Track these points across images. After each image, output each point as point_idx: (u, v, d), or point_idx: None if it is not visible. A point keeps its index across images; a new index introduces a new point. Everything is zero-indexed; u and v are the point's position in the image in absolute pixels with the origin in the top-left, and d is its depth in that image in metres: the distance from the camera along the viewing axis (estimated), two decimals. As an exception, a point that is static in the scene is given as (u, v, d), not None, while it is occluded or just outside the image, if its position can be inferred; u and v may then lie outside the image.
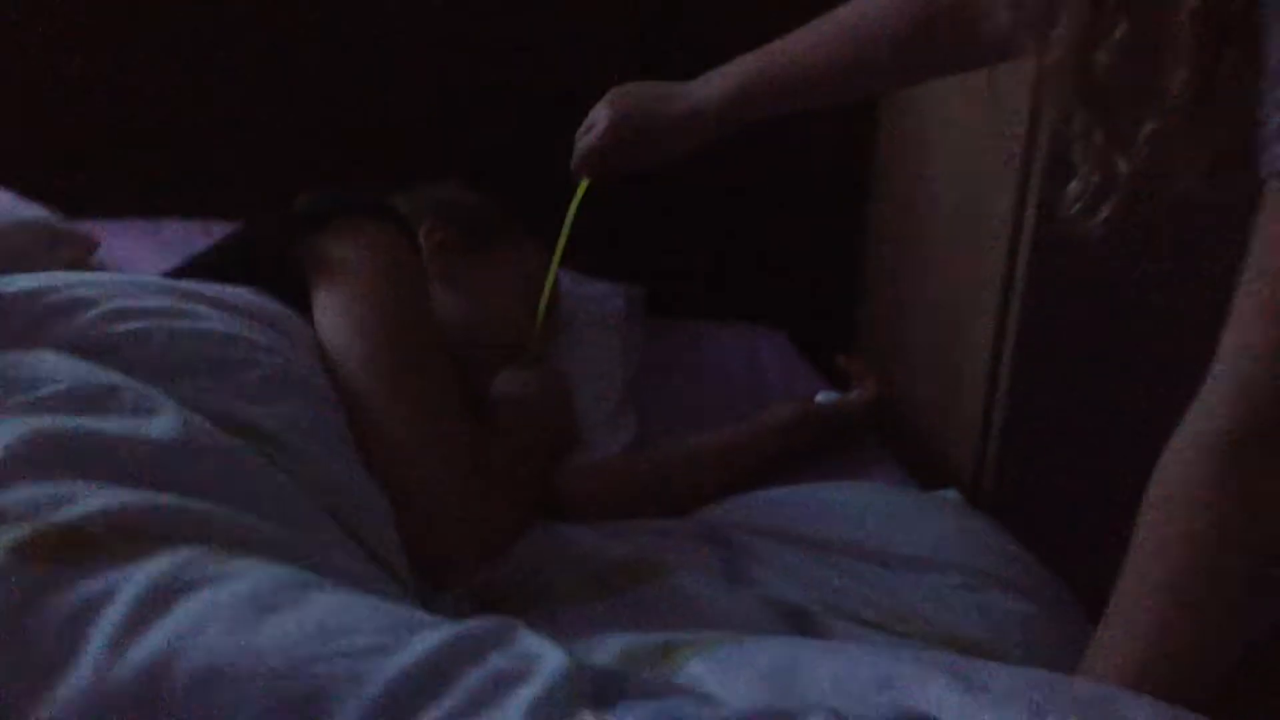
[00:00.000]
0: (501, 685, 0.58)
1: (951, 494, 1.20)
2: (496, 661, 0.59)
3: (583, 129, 1.23)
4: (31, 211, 1.38)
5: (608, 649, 0.72)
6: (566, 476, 1.16)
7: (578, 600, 0.92)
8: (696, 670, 0.69)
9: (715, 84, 1.16)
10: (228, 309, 0.91)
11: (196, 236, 1.46)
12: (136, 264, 1.44)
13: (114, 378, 0.77)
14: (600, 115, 1.21)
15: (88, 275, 0.95)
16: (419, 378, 0.97)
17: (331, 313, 0.98)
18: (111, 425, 0.72)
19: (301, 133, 1.66)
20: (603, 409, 1.39)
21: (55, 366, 0.76)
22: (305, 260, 1.02)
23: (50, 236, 1.37)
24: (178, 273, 1.07)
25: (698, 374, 1.59)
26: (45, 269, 1.32)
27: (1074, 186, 0.88)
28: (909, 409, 1.68)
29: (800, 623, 0.92)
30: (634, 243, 1.73)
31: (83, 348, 0.80)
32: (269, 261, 1.03)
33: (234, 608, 0.60)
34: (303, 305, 1.01)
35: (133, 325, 0.84)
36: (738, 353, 1.64)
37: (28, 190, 1.43)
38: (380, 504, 0.88)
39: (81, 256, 1.41)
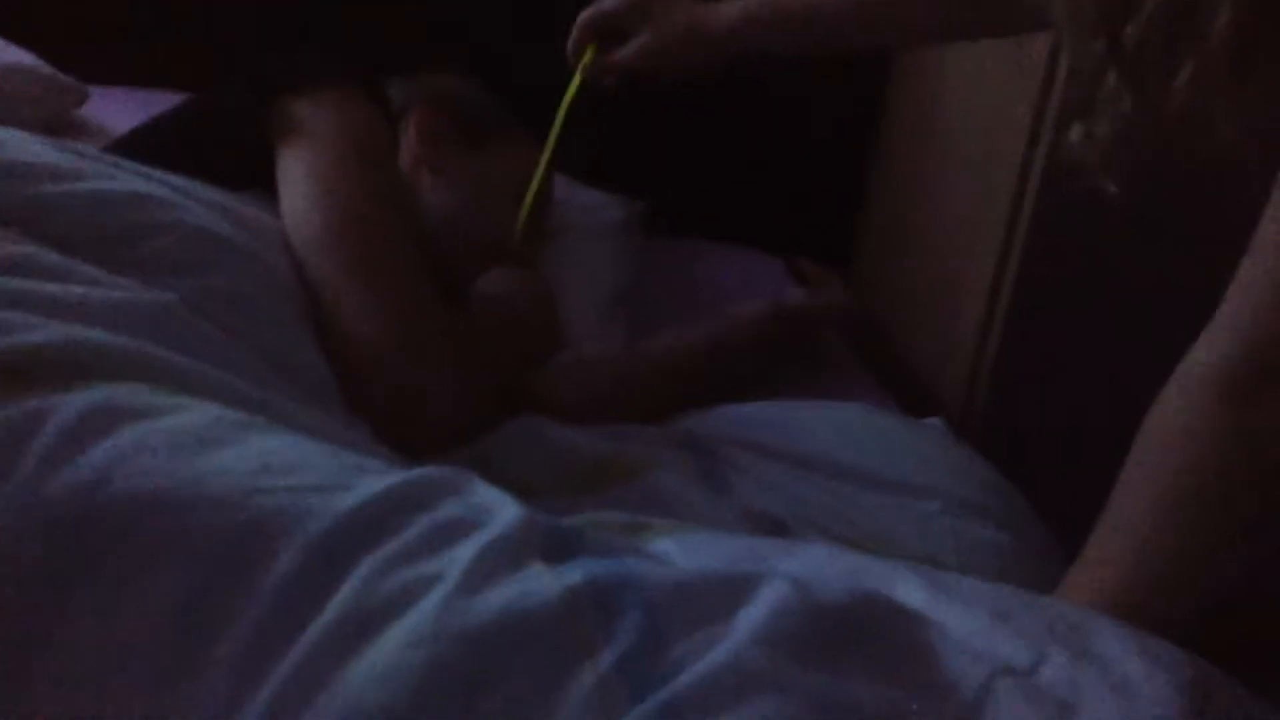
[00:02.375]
0: (452, 530, 0.55)
1: (936, 422, 1.18)
2: (449, 508, 0.57)
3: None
4: (19, 56, 1.35)
5: (574, 520, 0.70)
6: (542, 378, 1.13)
7: (548, 495, 0.89)
8: (663, 546, 0.67)
9: (730, 4, 1.12)
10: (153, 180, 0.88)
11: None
12: (117, 126, 1.41)
13: (31, 247, 0.73)
14: None
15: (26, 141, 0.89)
16: (374, 251, 0.93)
17: (290, 179, 0.96)
18: (46, 286, 0.68)
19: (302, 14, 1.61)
20: (591, 318, 1.36)
21: None
22: (273, 122, 1.00)
23: (38, 84, 1.33)
24: (144, 130, 1.04)
25: (691, 294, 1.56)
26: (28, 116, 1.30)
27: (1098, 130, 0.84)
28: (902, 343, 1.66)
29: (776, 533, 0.90)
30: (637, 160, 1.71)
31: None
32: (236, 121, 1.00)
33: (174, 437, 0.58)
34: (269, 167, 0.98)
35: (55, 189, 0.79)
36: (733, 276, 1.62)
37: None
38: (327, 381, 0.85)
39: (68, 109, 1.37)
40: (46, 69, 1.37)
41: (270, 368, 0.77)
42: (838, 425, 1.11)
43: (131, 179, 0.85)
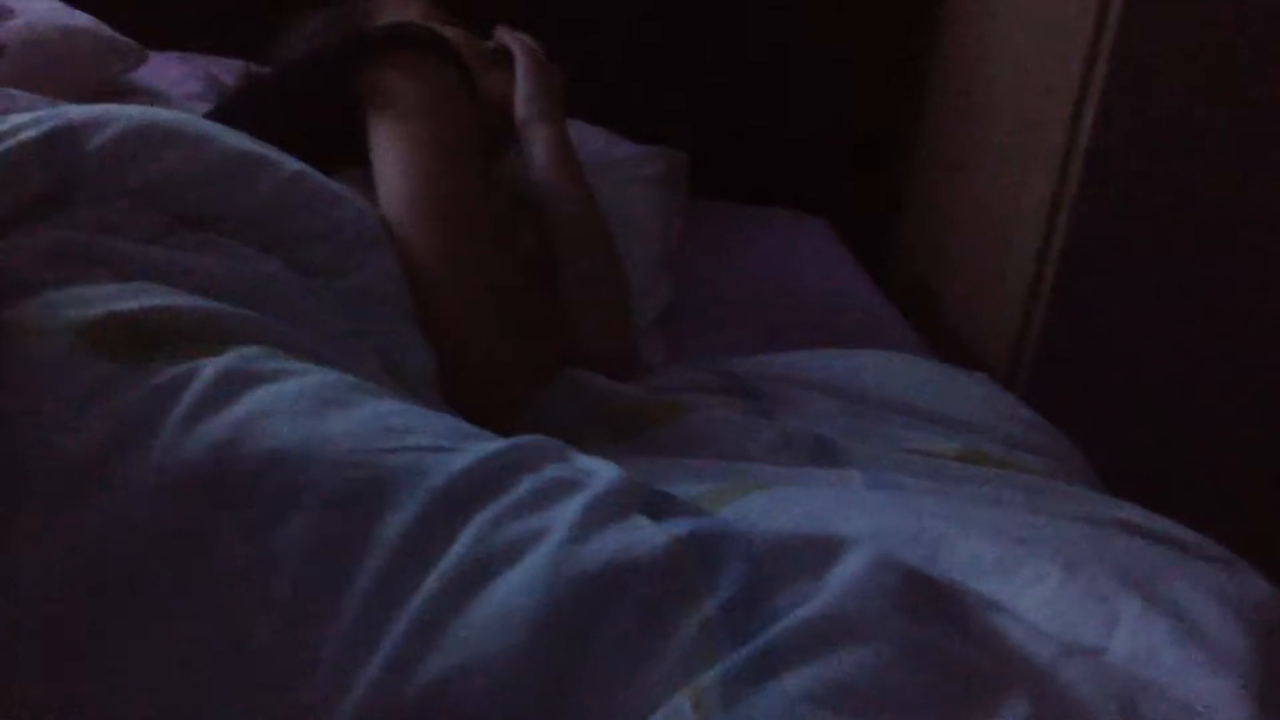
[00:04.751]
0: (559, 489, 0.58)
1: (981, 375, 1.20)
2: (552, 471, 0.60)
3: None
4: (78, 18, 1.37)
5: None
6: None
7: (595, 445, 0.91)
8: (753, 504, 0.70)
9: None
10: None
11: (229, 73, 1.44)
12: (171, 90, 1.43)
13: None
14: None
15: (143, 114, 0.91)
16: (461, 217, 0.95)
17: (386, 156, 0.97)
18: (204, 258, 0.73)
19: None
20: (640, 270, 1.37)
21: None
22: (362, 88, 1.00)
23: (97, 46, 1.35)
24: (236, 98, 1.06)
25: (736, 252, 1.57)
26: (88, 79, 1.32)
27: None
28: (947, 307, 1.68)
29: (825, 455, 0.91)
30: (677, 117, 1.72)
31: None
32: (331, 91, 1.01)
33: (300, 399, 0.61)
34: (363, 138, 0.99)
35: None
36: (777, 235, 1.64)
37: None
38: (422, 348, 0.87)
39: (126, 71, 1.39)
40: (106, 30, 1.39)
41: (385, 365, 0.81)
42: (884, 367, 1.12)
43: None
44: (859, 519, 0.71)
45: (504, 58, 1.24)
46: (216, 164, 0.81)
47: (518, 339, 0.96)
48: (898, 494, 0.82)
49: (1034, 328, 1.45)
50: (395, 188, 0.95)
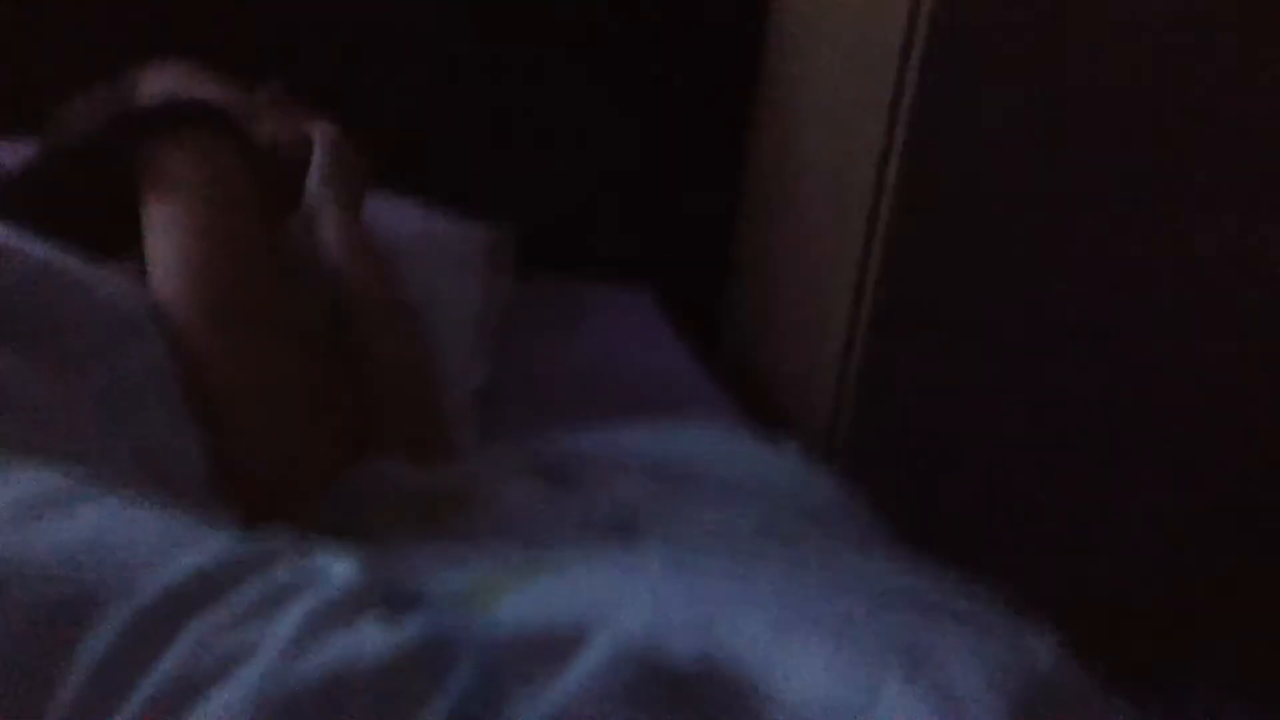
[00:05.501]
0: (283, 594, 0.54)
1: (791, 445, 1.20)
2: (283, 574, 0.56)
3: None
4: None
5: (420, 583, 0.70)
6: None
7: (392, 536, 0.88)
8: (510, 600, 0.67)
9: None
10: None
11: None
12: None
13: None
14: None
15: None
16: (236, 301, 0.91)
17: (151, 228, 0.93)
18: None
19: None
20: (454, 351, 1.35)
21: None
22: (136, 163, 0.96)
23: None
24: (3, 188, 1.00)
25: (559, 329, 1.57)
26: None
27: None
28: (772, 368, 1.69)
29: (627, 531, 0.89)
30: (504, 186, 1.70)
31: None
32: (103, 173, 0.97)
33: (7, 508, 0.56)
34: (131, 207, 0.95)
35: None
36: (601, 311, 1.64)
37: None
38: (188, 443, 0.83)
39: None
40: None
41: (143, 463, 0.76)
42: (694, 441, 1.12)
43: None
44: (643, 602, 0.69)
45: (280, 102, 1.22)
46: None
47: (302, 429, 0.92)
48: (688, 575, 0.80)
49: (849, 381, 1.46)
50: (165, 270, 0.91)
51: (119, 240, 0.96)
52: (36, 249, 0.82)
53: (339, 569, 0.57)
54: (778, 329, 1.69)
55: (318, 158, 1.18)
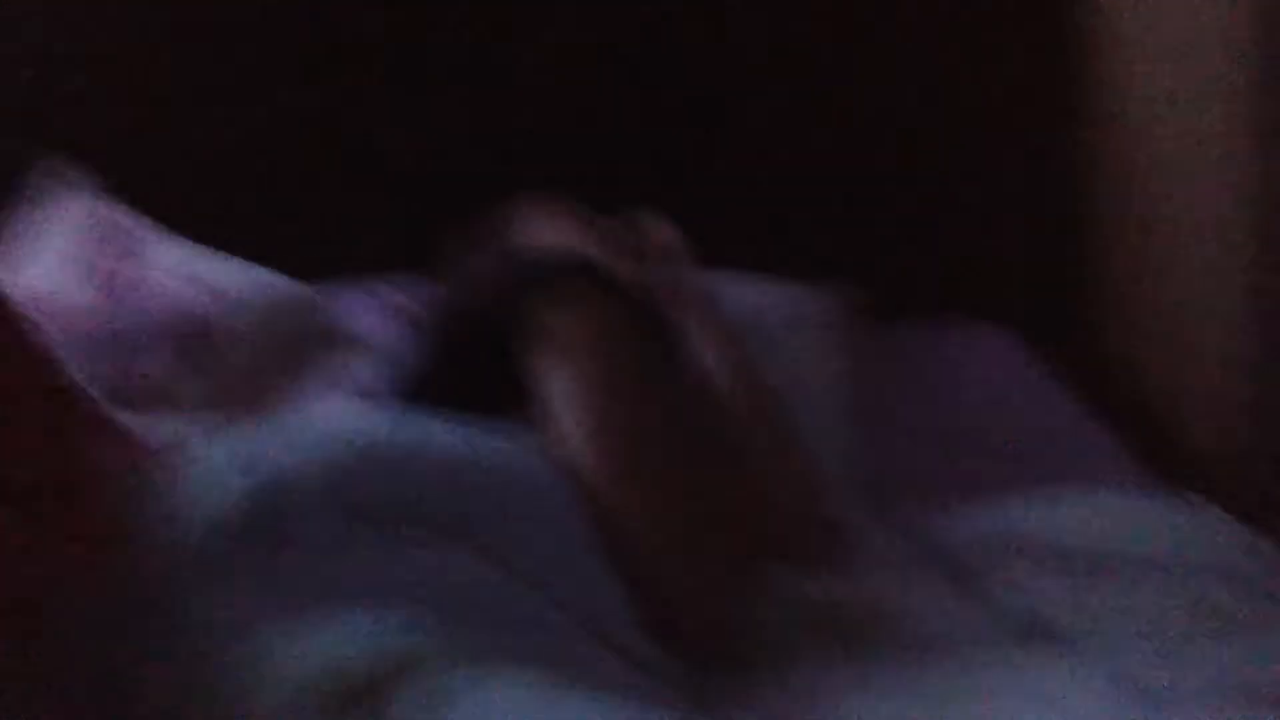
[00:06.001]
0: None
1: (1195, 499, 1.14)
2: None
3: None
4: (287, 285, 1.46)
5: None
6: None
7: (811, 661, 0.91)
8: None
9: None
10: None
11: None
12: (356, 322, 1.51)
13: None
14: None
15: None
16: (641, 453, 0.96)
17: (549, 389, 0.98)
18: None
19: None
20: (827, 430, 1.35)
21: None
22: (523, 326, 1.02)
23: (292, 312, 1.45)
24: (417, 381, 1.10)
25: (919, 380, 1.53)
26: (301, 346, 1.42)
27: None
28: (1152, 383, 1.60)
29: (1041, 631, 0.90)
30: (838, 238, 1.68)
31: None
32: (487, 338, 1.04)
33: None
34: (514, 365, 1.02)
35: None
36: (962, 355, 1.59)
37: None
38: (613, 592, 0.89)
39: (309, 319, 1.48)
40: (293, 287, 1.47)
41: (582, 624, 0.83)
42: (1091, 513, 1.09)
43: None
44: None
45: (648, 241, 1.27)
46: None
47: (713, 562, 0.96)
48: (1134, 698, 0.79)
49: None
50: (569, 430, 0.97)
51: (497, 399, 1.03)
52: (444, 435, 0.91)
53: None
54: (1158, 352, 1.59)
55: (674, 277, 1.22)
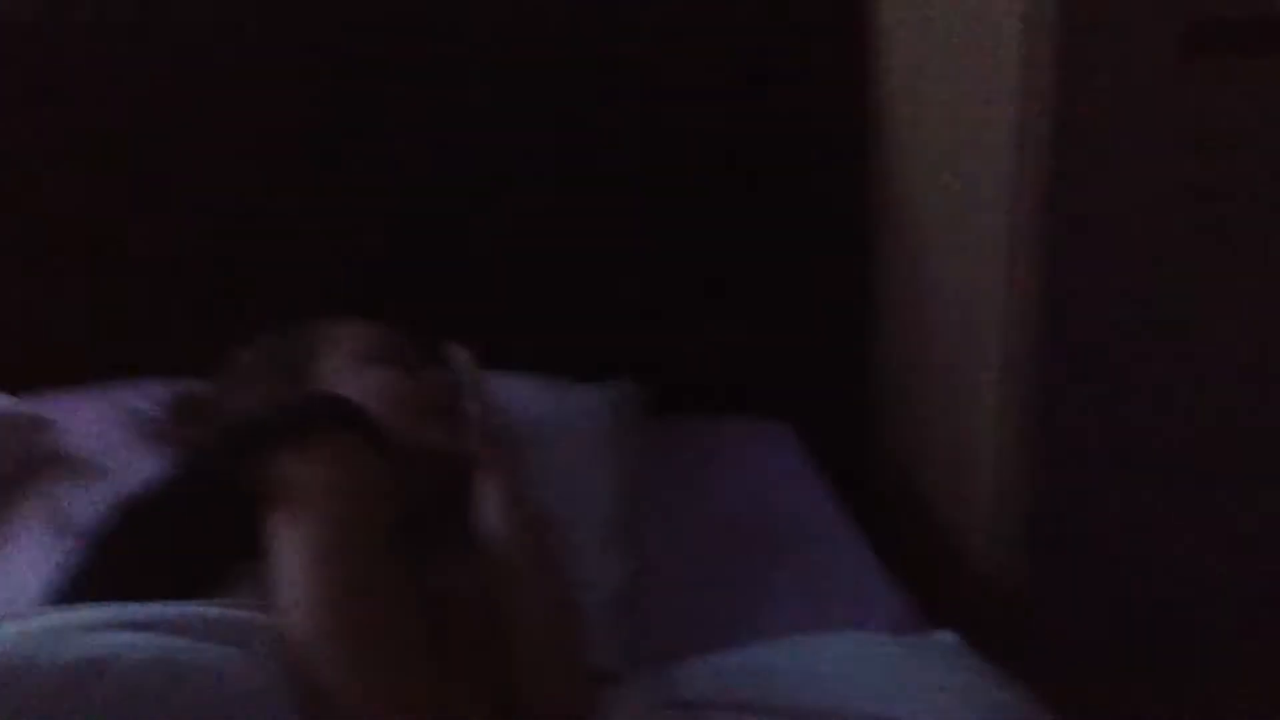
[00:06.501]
0: None
1: (948, 637, 1.13)
2: None
3: None
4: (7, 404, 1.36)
5: None
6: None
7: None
8: None
9: None
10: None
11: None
12: (92, 440, 1.42)
13: None
14: None
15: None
16: (367, 632, 0.89)
17: (280, 552, 0.92)
18: None
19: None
20: (593, 538, 1.32)
21: None
22: (258, 483, 0.95)
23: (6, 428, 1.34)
24: (126, 524, 1.01)
25: (701, 481, 1.51)
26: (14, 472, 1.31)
27: None
28: (928, 482, 1.61)
29: None
30: (623, 335, 1.66)
31: None
32: (219, 494, 0.97)
33: None
34: (255, 526, 0.95)
35: None
36: (739, 452, 1.58)
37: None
38: None
39: (35, 441, 1.38)
40: (9, 406, 1.38)
41: None
42: (840, 659, 1.08)
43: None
44: None
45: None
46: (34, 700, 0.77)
47: None
48: None
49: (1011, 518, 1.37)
50: (293, 596, 0.90)
51: (235, 548, 0.95)
52: (141, 642, 0.82)
53: None
54: (929, 459, 1.61)
55: (470, 407, 1.20)
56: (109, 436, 1.38)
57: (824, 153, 1.65)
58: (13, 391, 1.45)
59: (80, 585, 0.98)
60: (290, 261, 1.60)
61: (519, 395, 1.43)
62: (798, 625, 1.19)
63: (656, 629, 1.23)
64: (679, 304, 1.67)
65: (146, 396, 1.35)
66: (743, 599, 1.27)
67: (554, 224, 1.63)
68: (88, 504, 1.28)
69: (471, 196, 1.61)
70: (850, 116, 1.65)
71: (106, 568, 0.98)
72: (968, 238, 1.44)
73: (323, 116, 1.59)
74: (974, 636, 1.13)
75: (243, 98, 1.56)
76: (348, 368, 1.21)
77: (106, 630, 0.82)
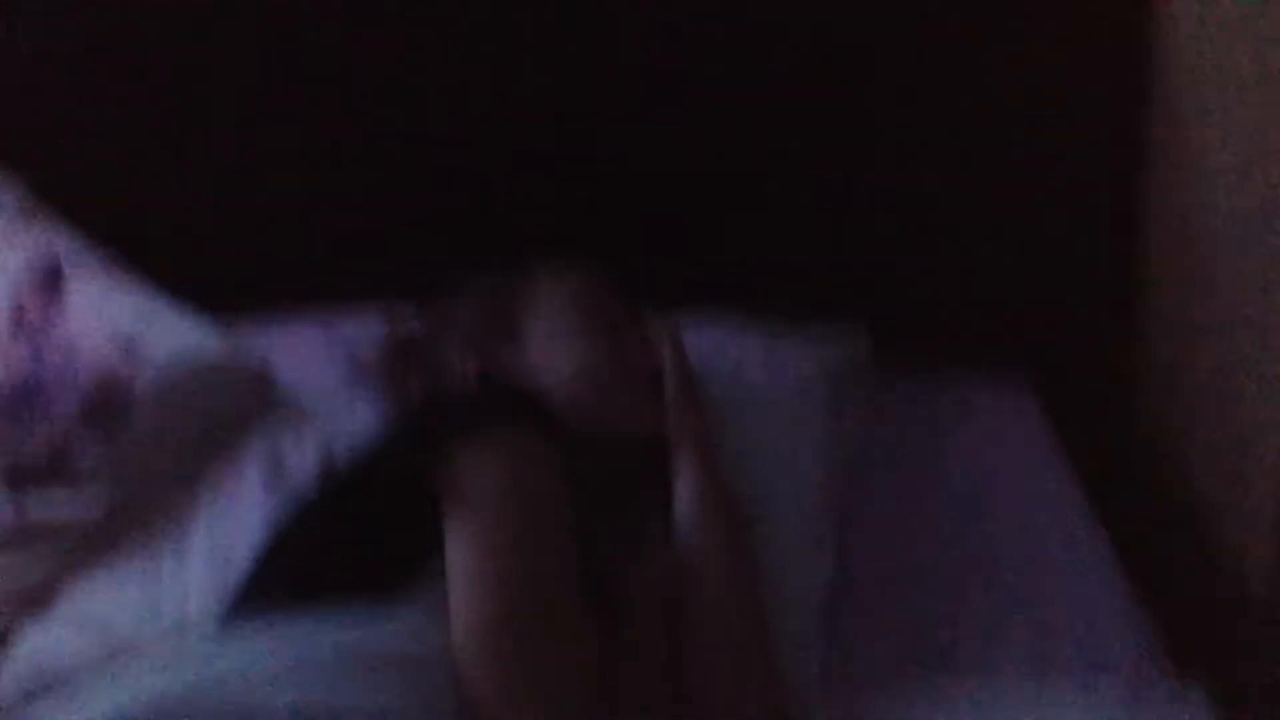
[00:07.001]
0: None
1: (1195, 695, 0.98)
2: None
3: None
4: (200, 339, 1.35)
5: None
6: None
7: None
8: None
9: None
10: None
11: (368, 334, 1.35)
12: (309, 380, 1.40)
13: None
14: None
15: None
16: (537, 647, 0.87)
17: (456, 557, 0.89)
18: None
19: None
20: (797, 536, 1.19)
21: None
22: (439, 480, 0.92)
23: (220, 380, 1.34)
24: (298, 531, 1.00)
25: (923, 460, 1.37)
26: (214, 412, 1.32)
27: None
28: (1191, 458, 1.40)
29: None
30: (850, 267, 1.52)
31: None
32: (399, 492, 0.94)
33: None
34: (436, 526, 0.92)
35: None
36: (970, 422, 1.42)
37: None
38: None
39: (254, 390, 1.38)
40: (224, 358, 1.37)
41: None
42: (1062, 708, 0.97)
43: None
44: None
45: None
46: None
47: None
48: None
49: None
50: (464, 605, 0.88)
51: (425, 545, 0.93)
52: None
53: None
54: (1202, 460, 1.39)
55: (670, 384, 1.15)
56: (324, 377, 1.36)
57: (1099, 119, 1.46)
58: (226, 317, 1.43)
59: (269, 575, 0.99)
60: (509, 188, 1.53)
61: (719, 348, 1.31)
62: (1013, 658, 1.06)
63: (857, 649, 1.12)
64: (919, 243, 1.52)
65: (362, 334, 1.33)
66: (953, 618, 1.14)
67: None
68: (300, 456, 1.29)
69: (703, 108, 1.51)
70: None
71: (296, 562, 0.98)
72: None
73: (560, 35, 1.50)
74: (1231, 690, 0.97)
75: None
76: (559, 334, 1.17)
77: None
